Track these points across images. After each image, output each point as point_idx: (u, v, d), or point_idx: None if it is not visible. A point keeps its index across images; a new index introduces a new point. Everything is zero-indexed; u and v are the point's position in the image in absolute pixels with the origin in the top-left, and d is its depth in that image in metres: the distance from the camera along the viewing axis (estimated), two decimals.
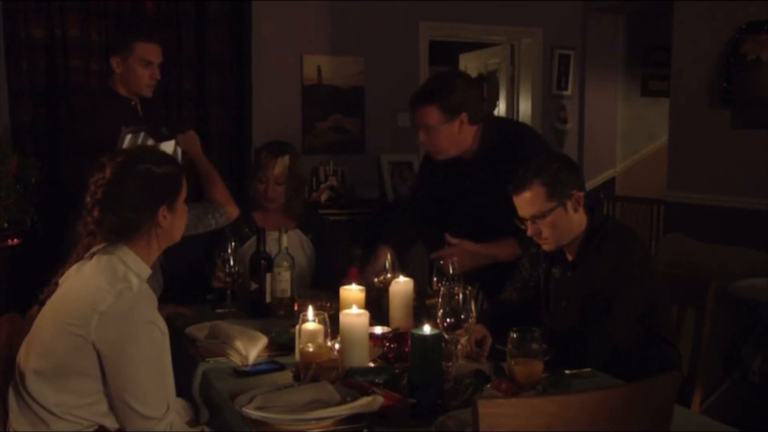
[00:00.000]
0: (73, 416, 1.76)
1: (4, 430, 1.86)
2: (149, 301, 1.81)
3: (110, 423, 1.80)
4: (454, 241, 2.80)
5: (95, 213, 1.85)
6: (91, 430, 1.78)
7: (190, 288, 3.04)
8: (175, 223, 1.93)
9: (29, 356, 1.80)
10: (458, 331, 2.03)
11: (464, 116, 2.80)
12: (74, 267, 1.86)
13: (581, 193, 2.35)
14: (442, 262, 2.52)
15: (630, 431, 1.45)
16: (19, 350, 1.84)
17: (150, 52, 3.25)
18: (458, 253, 2.68)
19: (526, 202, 2.34)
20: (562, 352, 2.13)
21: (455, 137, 2.83)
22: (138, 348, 1.74)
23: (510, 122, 3.02)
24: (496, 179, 2.66)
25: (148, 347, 1.76)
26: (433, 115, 2.79)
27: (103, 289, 1.76)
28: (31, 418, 1.78)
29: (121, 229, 1.85)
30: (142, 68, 3.22)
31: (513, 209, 2.39)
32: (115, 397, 1.76)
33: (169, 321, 2.67)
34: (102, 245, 1.85)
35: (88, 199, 1.86)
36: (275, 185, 3.14)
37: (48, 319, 1.82)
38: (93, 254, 1.85)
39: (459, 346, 2.10)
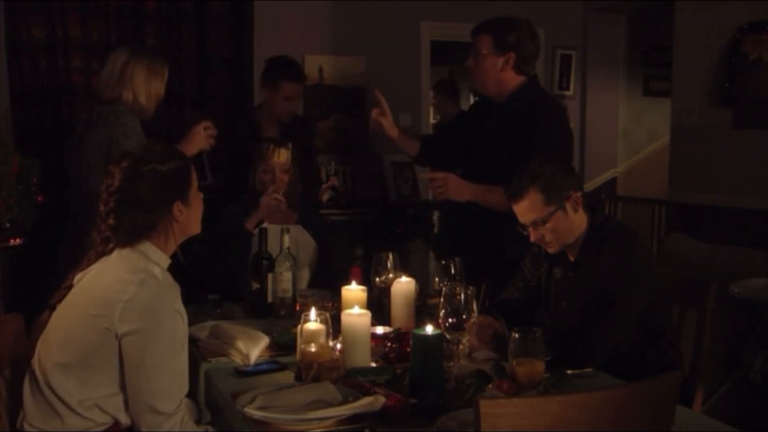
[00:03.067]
0: (95, 409, 1.76)
1: (13, 428, 1.86)
2: (173, 289, 1.81)
3: (124, 418, 1.80)
4: (441, 174, 2.96)
5: (110, 221, 1.86)
6: (103, 428, 1.78)
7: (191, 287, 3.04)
8: (191, 215, 1.94)
9: (50, 351, 1.80)
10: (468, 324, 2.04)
11: (512, 57, 2.98)
12: (94, 265, 1.87)
13: (579, 193, 2.35)
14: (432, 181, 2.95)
15: (631, 431, 1.45)
16: (34, 350, 1.84)
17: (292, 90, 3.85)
18: (446, 178, 2.92)
19: (525, 210, 2.34)
20: (564, 352, 2.13)
21: (497, 73, 3.01)
22: (162, 337, 1.73)
23: (542, 92, 3.16)
24: (508, 133, 2.92)
25: (172, 337, 1.76)
26: (485, 44, 3.00)
27: (125, 280, 1.76)
28: (47, 413, 1.78)
29: (138, 230, 1.86)
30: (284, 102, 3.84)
31: (514, 162, 2.50)
32: (130, 389, 1.75)
33: None
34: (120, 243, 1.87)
35: (101, 207, 1.87)
36: (282, 173, 3.16)
37: (68, 314, 1.82)
38: (112, 249, 1.86)
39: (460, 346, 2.10)
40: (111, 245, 1.86)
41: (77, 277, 1.88)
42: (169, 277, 1.83)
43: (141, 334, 1.72)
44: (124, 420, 1.79)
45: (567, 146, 3.03)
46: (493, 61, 3.01)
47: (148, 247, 1.86)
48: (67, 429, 1.76)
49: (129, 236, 1.86)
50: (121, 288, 1.75)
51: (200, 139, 3.10)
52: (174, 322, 1.76)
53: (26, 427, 1.80)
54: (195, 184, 1.96)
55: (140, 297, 1.74)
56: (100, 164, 2.84)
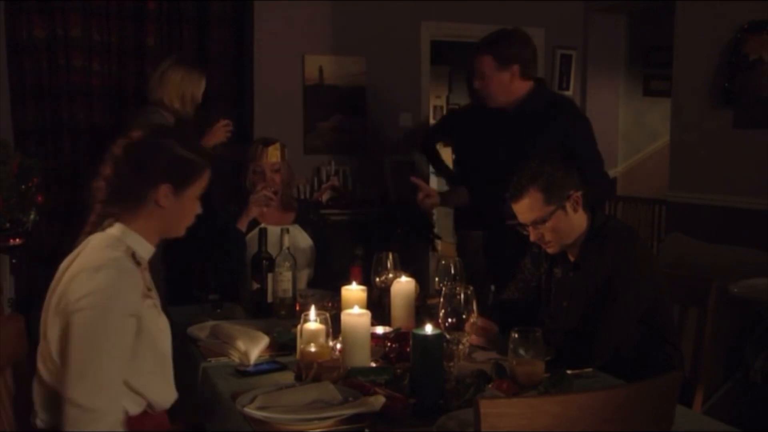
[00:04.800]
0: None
1: (21, 427, 1.85)
2: (131, 281, 1.74)
3: (131, 404, 1.77)
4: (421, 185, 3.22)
5: (108, 169, 1.82)
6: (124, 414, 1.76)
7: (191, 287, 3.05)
8: (178, 212, 1.87)
9: (45, 357, 1.77)
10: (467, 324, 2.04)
11: (516, 69, 3.07)
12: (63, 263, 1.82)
13: (579, 193, 2.36)
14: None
15: (631, 431, 1.45)
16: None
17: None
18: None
19: (525, 209, 2.34)
20: (564, 352, 2.13)
21: (506, 86, 3.10)
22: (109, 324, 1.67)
23: (553, 92, 3.31)
24: (528, 136, 3.02)
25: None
26: (488, 64, 3.09)
27: (87, 267, 1.71)
28: (56, 411, 1.74)
29: (124, 192, 1.82)
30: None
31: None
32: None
33: (172, 321, 2.68)
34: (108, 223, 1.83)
35: (110, 152, 1.84)
36: (272, 173, 3.16)
37: (46, 316, 1.78)
38: (101, 213, 1.83)
39: (460, 346, 2.10)
40: (103, 210, 1.82)
41: (62, 266, 1.82)
42: (130, 266, 1.75)
43: (89, 311, 1.66)
44: (132, 408, 1.77)
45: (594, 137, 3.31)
46: (499, 78, 3.08)
47: (125, 232, 1.80)
48: None
49: (114, 197, 1.82)
50: (77, 271, 1.71)
51: (221, 133, 3.76)
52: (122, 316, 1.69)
53: (39, 423, 1.80)
54: (198, 189, 1.90)
55: (95, 277, 1.68)
56: None
